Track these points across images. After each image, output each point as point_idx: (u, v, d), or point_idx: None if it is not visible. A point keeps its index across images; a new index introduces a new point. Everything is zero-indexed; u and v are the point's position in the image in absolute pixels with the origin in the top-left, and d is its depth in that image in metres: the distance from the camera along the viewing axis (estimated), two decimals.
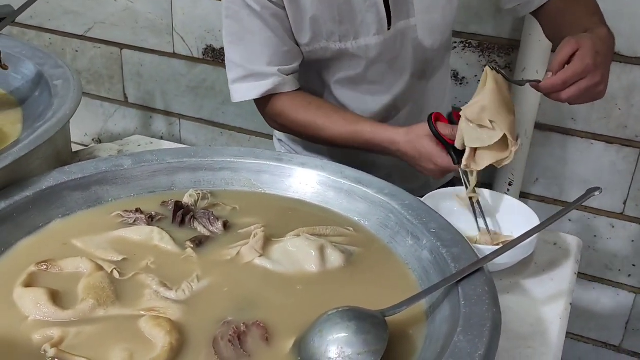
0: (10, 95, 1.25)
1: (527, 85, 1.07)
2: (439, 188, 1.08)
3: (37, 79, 1.22)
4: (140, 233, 0.88)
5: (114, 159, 1.00)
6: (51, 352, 0.67)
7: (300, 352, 0.69)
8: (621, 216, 1.69)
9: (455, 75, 1.71)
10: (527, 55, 1.57)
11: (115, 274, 0.80)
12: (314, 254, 0.84)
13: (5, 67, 1.16)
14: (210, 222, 0.92)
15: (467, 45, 1.67)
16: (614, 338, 1.85)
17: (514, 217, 1.03)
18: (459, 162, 1.02)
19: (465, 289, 0.74)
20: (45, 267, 0.80)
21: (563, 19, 1.19)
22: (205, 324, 0.73)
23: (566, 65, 0.99)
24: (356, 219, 0.95)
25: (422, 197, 0.99)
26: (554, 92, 0.99)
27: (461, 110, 1.01)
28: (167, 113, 2.16)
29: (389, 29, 1.20)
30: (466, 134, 0.98)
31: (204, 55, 2.00)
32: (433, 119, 1.07)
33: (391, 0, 1.18)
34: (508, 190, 1.70)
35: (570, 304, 0.93)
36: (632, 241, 1.71)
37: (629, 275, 1.76)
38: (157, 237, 0.88)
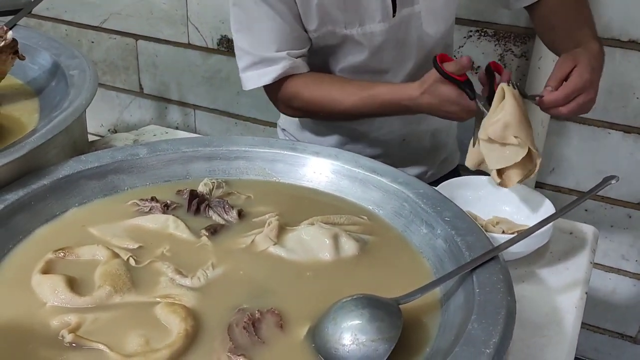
0: (27, 85, 1.26)
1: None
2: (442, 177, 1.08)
3: (54, 69, 1.23)
4: (156, 221, 0.89)
5: (129, 148, 1.01)
6: (69, 337, 0.68)
7: (315, 339, 0.70)
8: (638, 206, 1.68)
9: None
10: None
11: (131, 262, 0.81)
12: (328, 242, 0.85)
13: (22, 58, 1.16)
14: (225, 210, 0.92)
15: (482, 34, 1.66)
16: (630, 329, 1.83)
17: (530, 206, 1.03)
18: (474, 97, 1.02)
19: (480, 277, 0.74)
20: (62, 254, 0.81)
21: (556, 21, 1.21)
22: (220, 311, 0.74)
23: (564, 82, 1.02)
24: (370, 207, 0.95)
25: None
26: (556, 107, 1.02)
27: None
28: (182, 104, 2.17)
29: (393, 16, 1.20)
30: (489, 156, 0.97)
31: (218, 45, 2.00)
32: (439, 61, 1.05)
33: None
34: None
35: (586, 293, 0.92)
36: None
37: None
38: (172, 226, 0.88)
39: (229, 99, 2.07)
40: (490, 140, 0.96)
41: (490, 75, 1.04)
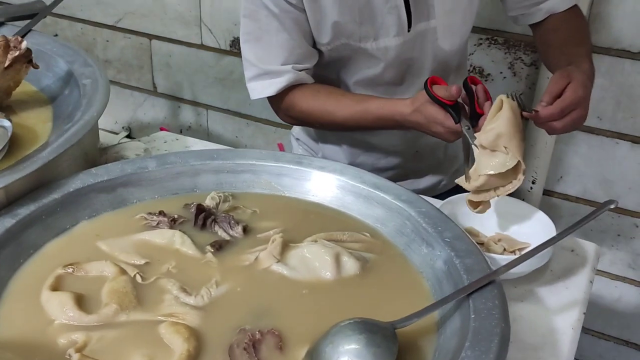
0: (41, 92, 1.28)
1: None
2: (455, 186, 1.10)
3: (67, 77, 1.25)
4: (163, 236, 0.91)
5: (138, 160, 1.03)
6: (75, 357, 0.70)
7: None
8: None
9: (480, 72, 1.70)
10: None
11: (138, 278, 0.83)
12: (329, 260, 0.86)
13: (36, 67, 1.18)
14: (230, 226, 0.94)
15: (492, 42, 1.66)
16: (635, 336, 1.84)
17: (532, 224, 1.04)
18: (459, 120, 1.04)
19: (476, 302, 0.76)
20: (71, 269, 0.84)
21: (554, 39, 1.23)
22: (222, 331, 0.76)
23: (557, 100, 1.03)
24: (373, 224, 0.96)
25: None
26: (550, 121, 1.03)
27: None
28: (195, 103, 2.19)
29: (408, 31, 1.21)
30: (480, 161, 0.98)
31: (230, 47, 2.02)
32: (429, 83, 1.08)
33: (412, 2, 1.18)
34: (531, 188, 1.70)
35: (584, 314, 0.93)
36: None
37: None
38: (178, 241, 0.90)
39: (241, 99, 2.09)
40: (482, 147, 0.98)
41: (470, 93, 1.06)
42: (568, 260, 1.03)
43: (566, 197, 1.75)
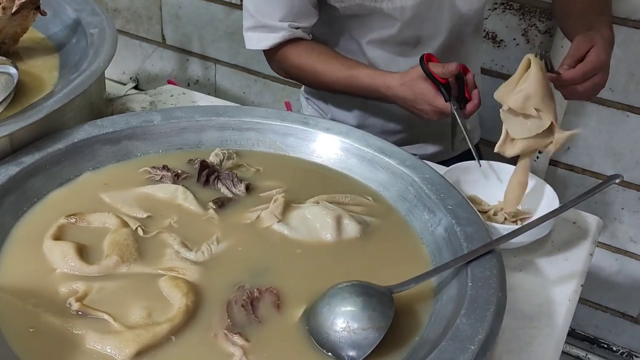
0: (48, 39, 1.27)
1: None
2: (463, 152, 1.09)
3: (75, 25, 1.24)
4: (166, 191, 0.91)
5: (144, 114, 1.03)
6: (75, 305, 0.71)
7: (309, 321, 0.73)
8: None
9: (493, 37, 1.68)
10: None
11: (140, 232, 0.84)
12: (330, 222, 0.87)
13: (44, 13, 1.17)
14: (233, 183, 0.94)
15: (507, 7, 1.64)
16: (632, 309, 1.85)
17: (535, 194, 1.03)
18: (450, 100, 1.04)
19: (474, 270, 0.76)
20: (74, 220, 0.84)
21: (575, 4, 1.21)
22: (221, 287, 0.77)
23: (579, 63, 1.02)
24: (376, 188, 0.96)
25: None
26: (573, 85, 1.02)
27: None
28: (204, 57, 2.17)
29: None
30: (510, 126, 0.97)
31: (241, 1, 1.99)
32: (425, 60, 1.08)
33: None
34: (537, 157, 1.69)
35: (581, 285, 0.94)
36: None
37: None
38: (181, 196, 0.91)
39: (250, 55, 2.07)
40: (510, 110, 0.96)
41: (460, 80, 1.06)
42: (569, 232, 1.03)
43: (572, 169, 1.74)
